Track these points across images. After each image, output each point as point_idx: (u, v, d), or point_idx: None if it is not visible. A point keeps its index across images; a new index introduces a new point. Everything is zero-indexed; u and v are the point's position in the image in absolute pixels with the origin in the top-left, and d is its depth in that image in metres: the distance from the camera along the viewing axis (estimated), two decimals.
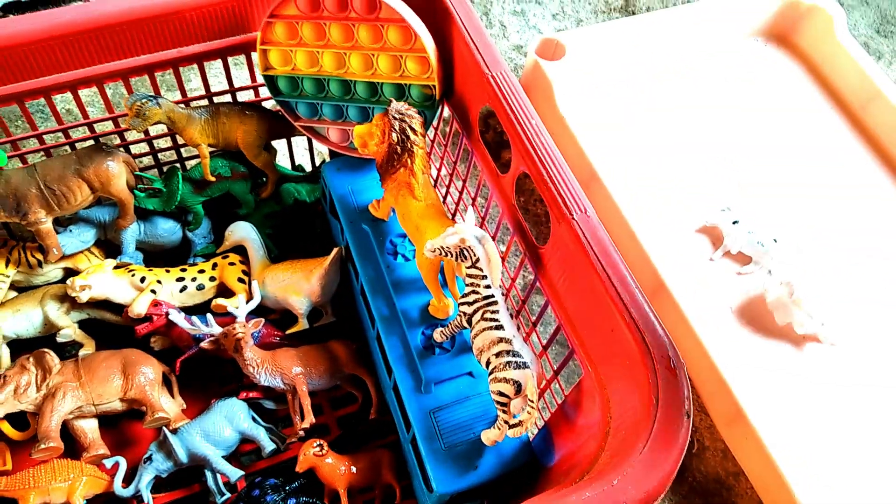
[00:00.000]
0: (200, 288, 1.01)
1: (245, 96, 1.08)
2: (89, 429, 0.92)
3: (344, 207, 0.99)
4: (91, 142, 1.03)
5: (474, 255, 0.76)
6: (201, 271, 1.02)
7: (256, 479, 0.90)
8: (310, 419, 0.92)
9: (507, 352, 0.74)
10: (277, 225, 1.10)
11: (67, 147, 1.01)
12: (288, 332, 1.00)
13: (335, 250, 0.99)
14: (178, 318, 0.94)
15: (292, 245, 1.11)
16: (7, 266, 0.97)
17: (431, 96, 0.92)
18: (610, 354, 0.70)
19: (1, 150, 0.90)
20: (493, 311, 0.76)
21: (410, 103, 0.91)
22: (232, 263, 1.03)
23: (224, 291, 1.03)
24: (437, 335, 0.87)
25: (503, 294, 0.79)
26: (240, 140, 1.01)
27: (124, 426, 0.97)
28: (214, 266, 1.03)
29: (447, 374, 0.86)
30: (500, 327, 0.75)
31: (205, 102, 1.03)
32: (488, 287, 0.76)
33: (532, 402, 0.75)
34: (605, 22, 1.60)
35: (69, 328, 0.96)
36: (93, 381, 0.91)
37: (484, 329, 0.76)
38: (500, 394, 0.74)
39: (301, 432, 0.93)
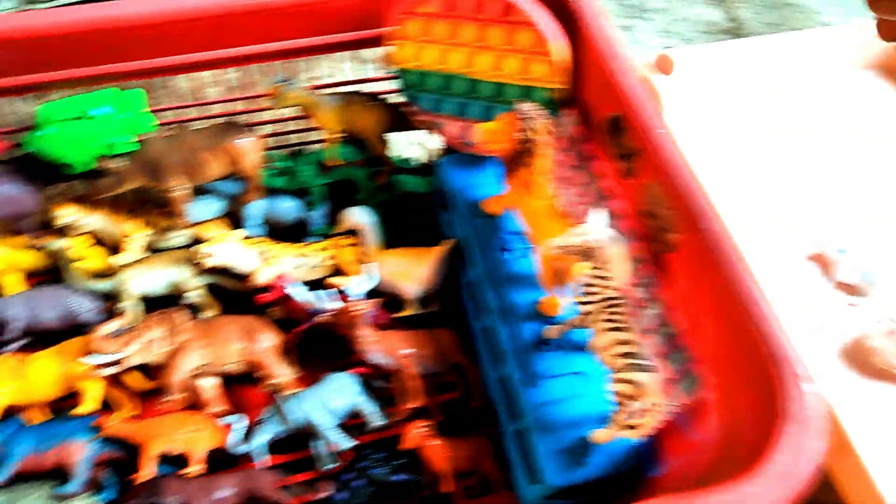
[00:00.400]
0: (317, 265, 1.06)
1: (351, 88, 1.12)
2: (210, 386, 0.98)
3: (459, 201, 1.03)
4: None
5: (603, 256, 0.78)
6: (319, 249, 1.07)
7: (364, 450, 0.95)
8: (416, 401, 0.96)
9: (632, 353, 0.76)
10: (386, 213, 1.15)
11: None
12: (397, 315, 1.04)
13: (449, 242, 1.03)
14: (299, 291, 0.99)
15: (399, 234, 1.15)
16: (142, 227, 1.04)
17: (555, 100, 0.95)
18: (734, 367, 0.71)
19: (151, 116, 0.97)
20: (617, 313, 0.78)
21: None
22: (348, 245, 1.08)
23: (337, 271, 1.08)
24: (550, 332, 0.89)
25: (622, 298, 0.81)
26: (365, 129, 1.06)
27: (240, 387, 1.02)
28: (331, 246, 1.08)
29: (557, 370, 0.89)
30: (625, 329, 0.77)
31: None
32: (614, 288, 0.79)
33: (655, 405, 0.76)
34: (713, 42, 1.61)
35: (196, 291, 1.02)
36: (216, 343, 0.96)
37: (607, 329, 0.78)
38: (622, 395, 0.76)
39: (405, 412, 0.97)
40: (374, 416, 0.98)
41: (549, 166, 0.89)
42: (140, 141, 0.94)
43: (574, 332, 0.90)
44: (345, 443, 0.95)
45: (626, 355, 0.76)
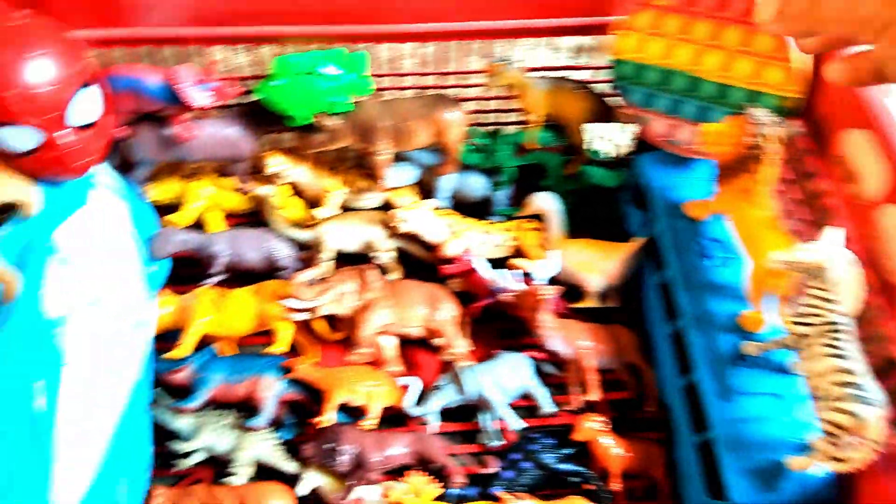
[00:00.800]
0: (500, 245, 1.07)
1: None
2: (390, 346, 1.00)
3: (657, 200, 1.00)
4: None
5: (833, 278, 0.74)
6: (503, 229, 1.08)
7: (534, 434, 0.95)
8: (594, 394, 0.95)
9: (852, 384, 0.72)
10: (572, 203, 1.13)
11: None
12: (576, 305, 1.04)
13: (640, 239, 1.01)
14: (485, 268, 1.00)
15: (581, 225, 1.13)
16: (341, 185, 1.07)
17: (785, 108, 0.91)
18: None
19: (370, 80, 0.99)
20: (838, 339, 0.74)
21: None
22: (531, 229, 1.08)
23: (518, 253, 1.08)
24: (749, 348, 0.86)
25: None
26: (570, 116, 1.05)
27: (415, 351, 1.04)
28: (515, 228, 1.08)
29: (753, 388, 0.85)
30: (845, 357, 0.73)
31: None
32: (839, 313, 0.75)
33: (870, 441, 0.72)
34: None
35: (388, 253, 1.04)
36: (402, 304, 0.99)
37: (824, 355, 0.74)
38: (835, 424, 0.72)
39: (577, 404, 0.97)
40: (546, 401, 0.97)
41: (775, 176, 0.86)
42: (356, 102, 0.97)
43: (776, 352, 0.86)
44: (515, 422, 0.95)
45: (846, 385, 0.73)
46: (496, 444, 0.96)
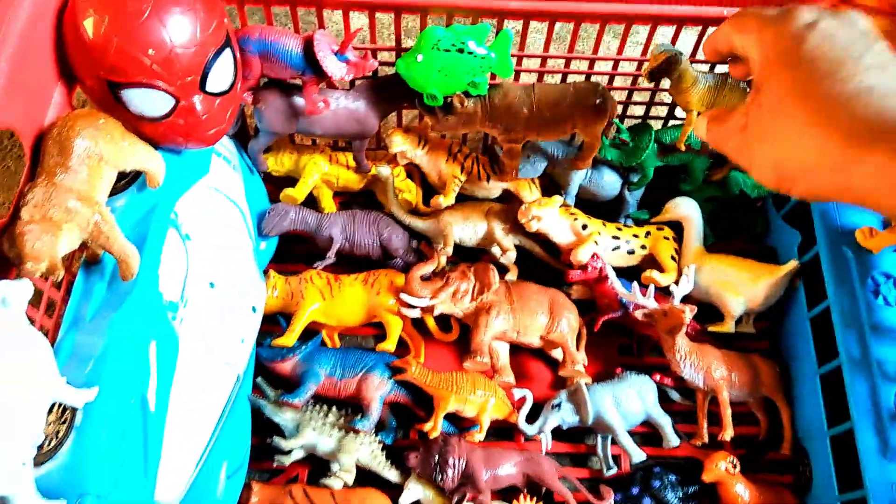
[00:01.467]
0: (631, 252, 0.98)
1: None
2: (503, 353, 0.93)
3: (824, 222, 0.89)
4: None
5: None
6: (635, 235, 0.98)
7: (656, 468, 0.87)
8: (730, 432, 0.86)
9: None
10: (714, 211, 1.03)
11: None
12: (711, 328, 0.94)
13: (793, 263, 0.91)
14: (616, 282, 0.91)
15: (725, 237, 1.03)
16: (461, 171, 0.99)
17: None
18: None
19: (512, 62, 0.89)
20: None
21: None
22: (667, 238, 0.98)
23: (648, 263, 0.99)
24: None
25: None
26: None
27: (525, 361, 0.97)
28: (647, 234, 0.99)
29: None
30: None
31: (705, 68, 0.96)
32: None
33: None
34: None
35: (511, 252, 0.96)
36: (523, 310, 0.91)
37: None
38: None
39: (705, 439, 0.88)
40: (671, 433, 0.89)
41: None
42: (494, 85, 0.88)
43: None
44: (635, 452, 0.88)
45: None
46: (611, 472, 0.88)
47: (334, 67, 0.81)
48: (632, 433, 0.92)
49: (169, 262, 0.73)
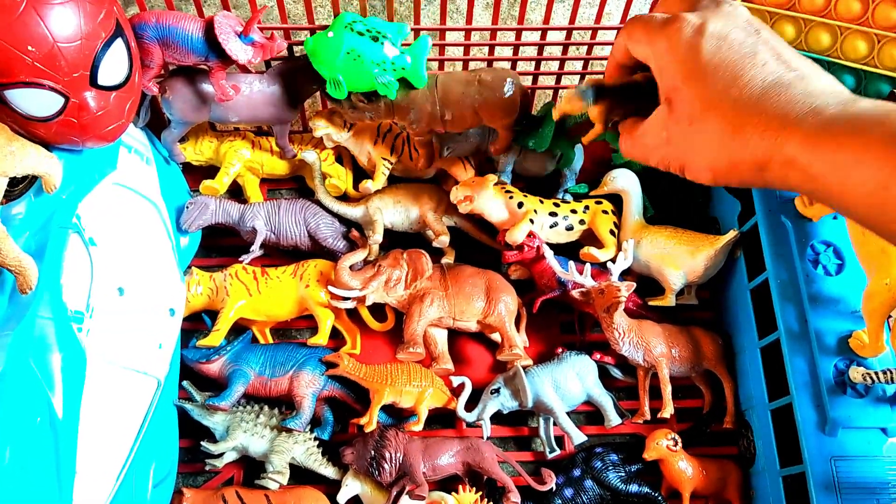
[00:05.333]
0: (569, 229, 0.95)
1: None
2: (440, 340, 0.90)
3: (763, 191, 0.87)
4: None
5: None
6: (573, 211, 0.95)
7: (598, 448, 0.85)
8: (670, 409, 0.85)
9: None
10: (653, 184, 1.00)
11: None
12: (651, 302, 0.92)
13: (732, 233, 0.88)
14: (553, 261, 0.89)
15: (666, 209, 1.00)
16: (391, 153, 0.95)
17: None
18: None
19: (425, 74, 0.84)
20: None
21: None
22: (605, 212, 0.95)
23: (588, 238, 0.96)
24: (857, 375, 0.75)
25: None
26: None
27: (464, 345, 0.94)
28: (586, 209, 0.96)
29: (856, 422, 0.75)
30: None
31: None
32: None
33: None
34: None
35: (445, 236, 0.93)
36: (458, 296, 0.88)
37: None
38: None
39: (647, 416, 0.87)
40: (612, 412, 0.88)
41: None
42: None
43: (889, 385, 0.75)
44: (575, 434, 0.86)
45: None
46: (553, 454, 0.87)
47: (238, 50, 0.76)
48: (577, 412, 0.91)
49: (72, 270, 0.69)
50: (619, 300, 0.83)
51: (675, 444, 0.84)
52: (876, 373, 0.73)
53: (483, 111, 0.84)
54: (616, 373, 0.92)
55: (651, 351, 0.87)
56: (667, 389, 0.86)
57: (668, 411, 0.85)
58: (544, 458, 0.88)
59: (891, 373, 0.72)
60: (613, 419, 0.87)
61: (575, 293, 0.87)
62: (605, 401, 0.88)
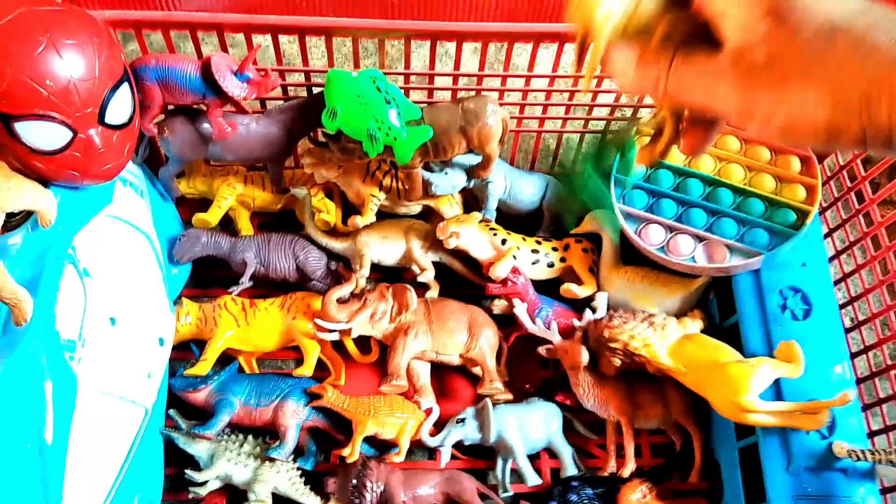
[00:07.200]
0: (550, 265, 0.98)
1: None
2: (423, 372, 0.93)
3: None
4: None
5: None
6: (554, 248, 0.99)
7: (573, 482, 0.88)
8: (631, 466, 0.87)
9: None
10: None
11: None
12: None
13: (704, 277, 0.92)
14: (524, 315, 0.91)
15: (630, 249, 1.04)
16: (380, 190, 0.98)
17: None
18: None
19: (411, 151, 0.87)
20: None
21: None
22: (585, 250, 0.99)
23: (568, 275, 0.99)
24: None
25: None
26: None
27: (447, 378, 0.97)
28: (566, 247, 0.99)
29: (819, 462, 0.78)
30: None
31: None
32: None
33: None
34: None
35: (430, 271, 0.96)
36: (441, 330, 0.91)
37: None
38: None
39: (613, 468, 0.89)
40: (569, 463, 0.90)
41: None
42: None
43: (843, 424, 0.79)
44: (532, 479, 0.88)
45: None
46: (506, 494, 0.88)
47: (234, 87, 0.79)
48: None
49: (66, 300, 0.71)
50: (580, 363, 0.86)
51: (645, 497, 0.86)
52: (862, 451, 0.76)
53: (470, 136, 0.88)
54: (580, 428, 0.94)
55: (614, 411, 0.89)
56: (629, 445, 0.88)
57: (628, 469, 0.87)
58: (523, 490, 0.90)
59: (878, 453, 0.75)
60: (570, 470, 0.90)
61: (541, 350, 0.91)
62: (565, 450, 0.91)
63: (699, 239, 0.90)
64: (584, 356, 0.85)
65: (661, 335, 0.85)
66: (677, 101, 0.42)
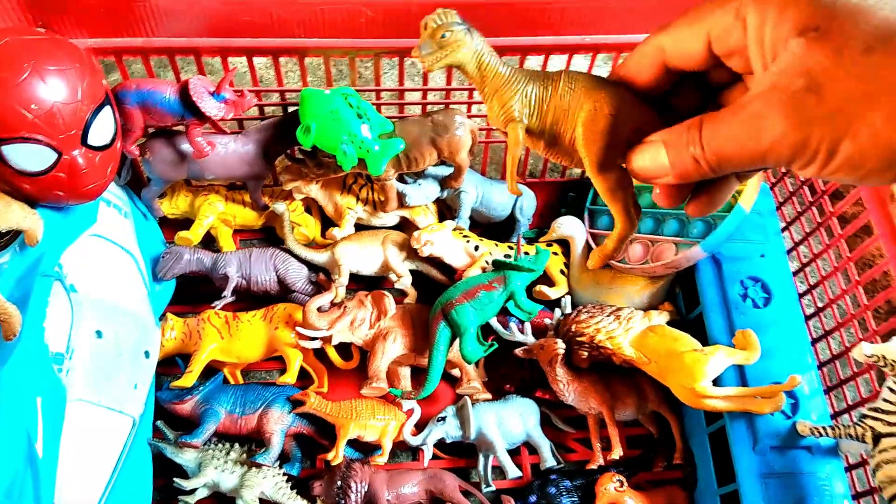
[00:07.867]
0: None
1: None
2: (404, 376, 0.96)
3: None
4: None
5: None
6: (526, 253, 1.02)
7: (552, 475, 0.91)
8: (619, 452, 0.90)
9: None
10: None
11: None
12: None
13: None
14: (495, 324, 0.95)
15: None
16: (357, 202, 1.02)
17: None
18: None
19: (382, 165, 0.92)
20: None
21: None
22: (555, 253, 1.03)
23: (540, 277, 1.03)
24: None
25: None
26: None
27: (421, 379, 1.00)
28: (538, 252, 1.03)
29: (785, 441, 0.81)
30: None
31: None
32: None
33: None
34: None
35: (407, 278, 1.00)
36: (419, 334, 0.94)
37: None
38: None
39: (600, 462, 0.92)
40: (548, 456, 0.93)
41: None
42: None
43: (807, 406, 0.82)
44: (512, 472, 0.91)
45: None
46: (488, 489, 0.91)
47: (211, 107, 0.83)
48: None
49: (54, 315, 0.74)
50: (557, 354, 0.89)
51: (622, 486, 0.88)
52: (824, 427, 0.79)
53: (440, 147, 0.92)
54: (558, 423, 0.97)
55: (595, 403, 0.92)
56: (614, 434, 0.91)
57: (616, 453, 0.90)
58: (505, 486, 0.93)
59: (838, 428, 0.78)
60: (549, 461, 0.92)
61: (518, 352, 0.94)
62: (543, 443, 0.94)
63: (651, 242, 0.96)
64: (560, 346, 0.88)
65: (626, 328, 0.89)
66: (725, 162, 0.36)
